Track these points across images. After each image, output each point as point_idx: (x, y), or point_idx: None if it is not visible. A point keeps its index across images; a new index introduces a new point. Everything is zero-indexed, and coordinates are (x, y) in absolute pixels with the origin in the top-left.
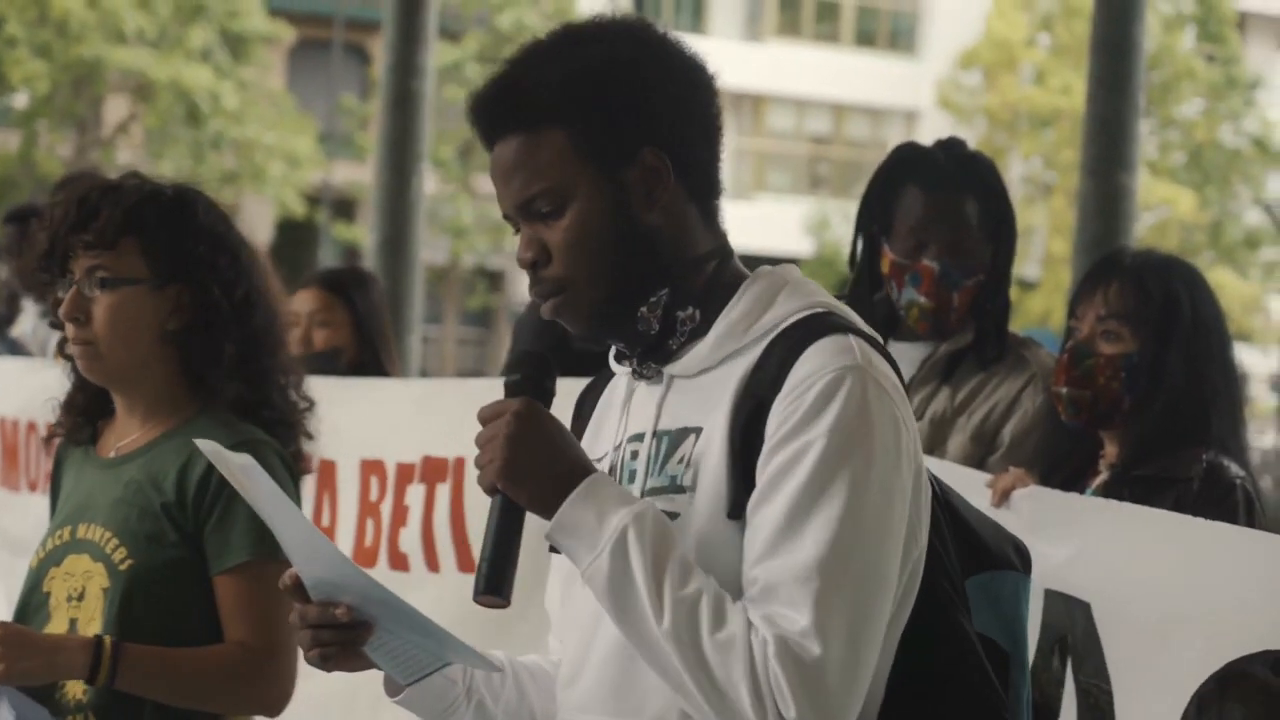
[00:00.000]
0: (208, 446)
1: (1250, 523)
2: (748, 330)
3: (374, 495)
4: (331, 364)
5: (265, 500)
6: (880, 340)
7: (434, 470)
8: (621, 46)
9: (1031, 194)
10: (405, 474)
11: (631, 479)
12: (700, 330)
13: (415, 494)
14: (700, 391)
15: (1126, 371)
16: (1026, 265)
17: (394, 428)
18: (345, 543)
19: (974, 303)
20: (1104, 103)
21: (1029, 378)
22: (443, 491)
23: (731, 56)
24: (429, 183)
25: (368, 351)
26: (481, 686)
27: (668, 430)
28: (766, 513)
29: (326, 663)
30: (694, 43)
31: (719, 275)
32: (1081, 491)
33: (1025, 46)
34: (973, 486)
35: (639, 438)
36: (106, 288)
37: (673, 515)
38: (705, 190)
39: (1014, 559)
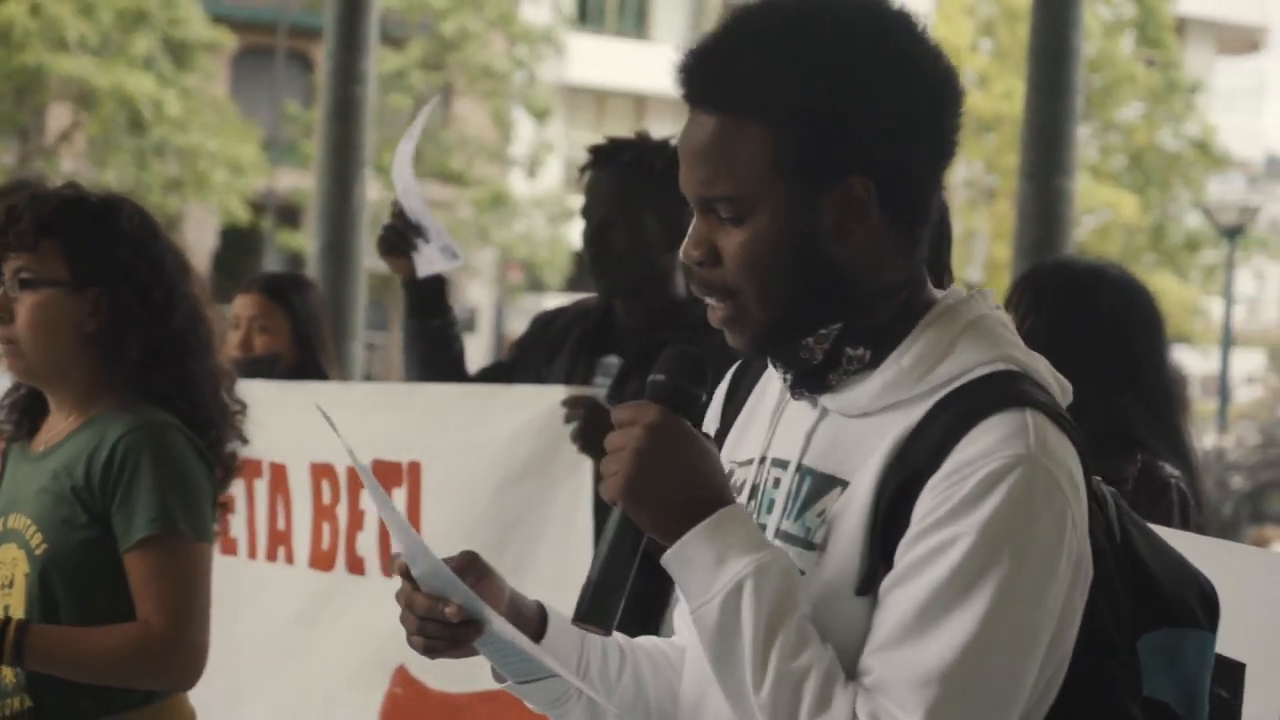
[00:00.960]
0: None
1: (1185, 522)
2: (919, 381)
3: (327, 499)
4: (270, 369)
5: (384, 509)
6: (1064, 413)
7: (386, 474)
8: (865, 49)
9: (974, 199)
10: (357, 478)
11: (769, 509)
12: (869, 365)
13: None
14: (854, 436)
15: None
16: (970, 270)
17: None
18: (303, 545)
19: None
20: (1042, 108)
21: None
22: (398, 496)
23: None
24: (372, 190)
25: (306, 356)
26: (595, 678)
27: (813, 470)
28: (897, 602)
29: (431, 653)
30: (635, 48)
31: (905, 309)
32: None
33: (968, 52)
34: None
35: (783, 464)
36: (26, 287)
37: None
38: (912, 219)
39: (1198, 613)
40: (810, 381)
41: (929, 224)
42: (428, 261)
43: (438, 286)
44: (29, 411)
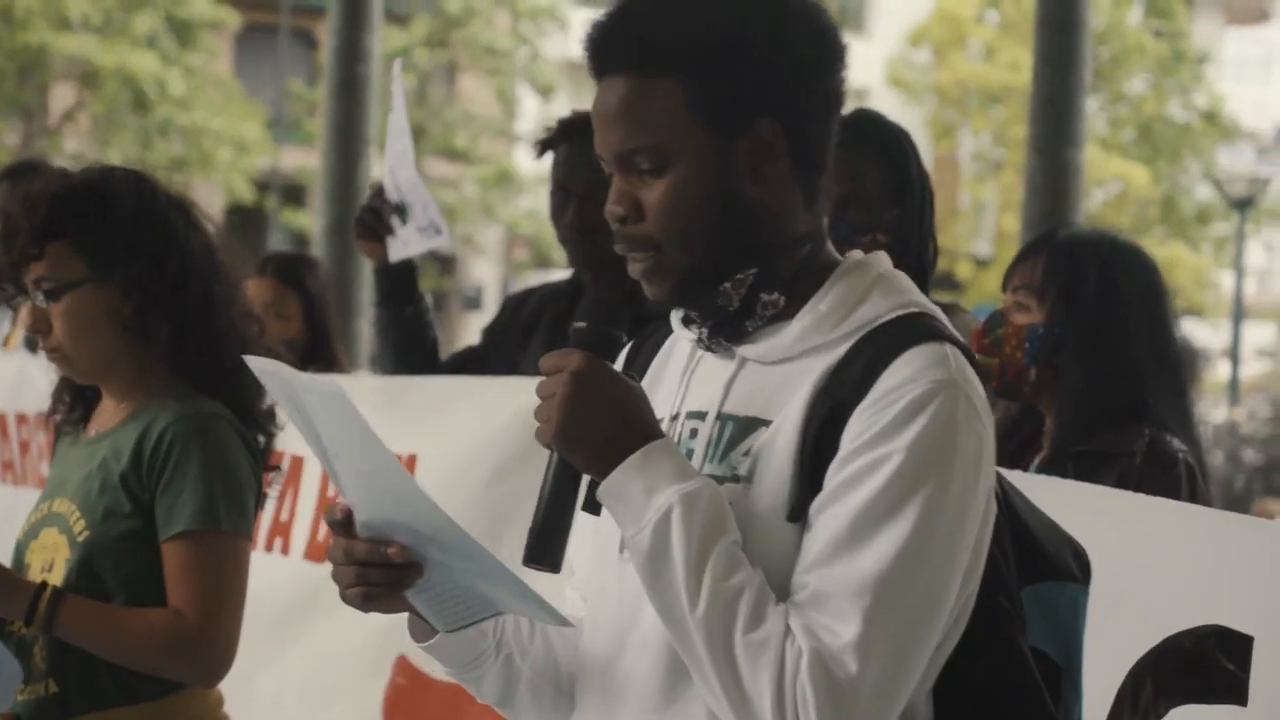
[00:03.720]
0: (257, 364)
1: (1193, 496)
2: (835, 326)
3: (332, 491)
4: (284, 355)
5: (337, 429)
6: (969, 349)
7: None
8: (761, 4)
9: (982, 171)
10: None
11: (688, 458)
12: (781, 316)
13: None
14: (774, 381)
15: (1030, 342)
16: (979, 242)
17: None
18: (300, 538)
19: None
20: (1050, 80)
21: None
22: None
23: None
24: (377, 167)
25: (318, 339)
26: (511, 640)
27: (734, 415)
28: (829, 519)
29: (368, 603)
30: None
31: (810, 261)
32: (1025, 468)
33: (974, 23)
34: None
35: (700, 415)
36: (52, 298)
37: None
38: (813, 169)
39: (1074, 568)
40: (727, 330)
41: (826, 174)
42: (404, 244)
43: (409, 274)
44: (81, 396)
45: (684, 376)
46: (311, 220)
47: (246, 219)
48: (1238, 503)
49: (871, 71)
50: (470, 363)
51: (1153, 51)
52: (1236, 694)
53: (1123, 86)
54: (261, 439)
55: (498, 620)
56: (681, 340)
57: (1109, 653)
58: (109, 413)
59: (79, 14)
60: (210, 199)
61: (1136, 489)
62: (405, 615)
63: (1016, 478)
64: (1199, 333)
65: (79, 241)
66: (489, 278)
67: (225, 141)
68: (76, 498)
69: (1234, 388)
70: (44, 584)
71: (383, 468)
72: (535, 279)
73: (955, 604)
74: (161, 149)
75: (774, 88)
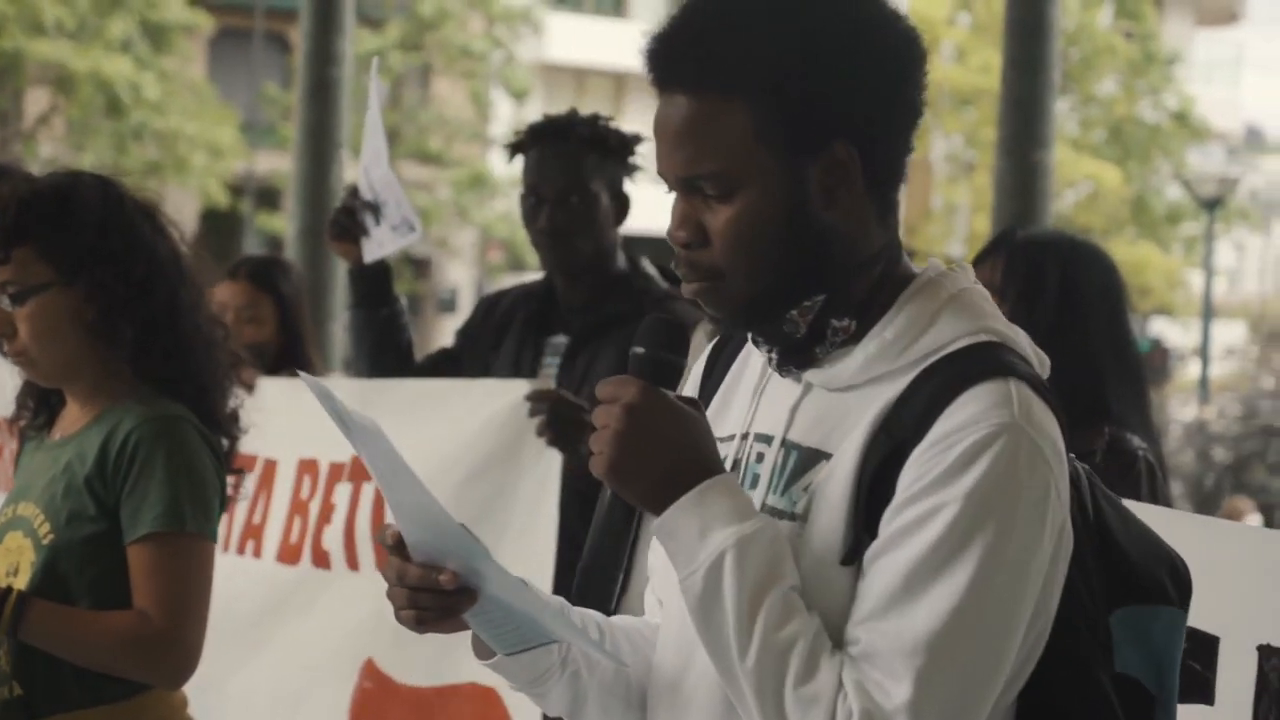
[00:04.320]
0: (314, 384)
1: (1153, 493)
2: (901, 354)
3: (305, 493)
4: (257, 358)
5: (378, 461)
6: (1045, 384)
7: (361, 470)
8: (836, 18)
9: (954, 173)
10: (336, 472)
11: (753, 484)
12: (853, 339)
13: (342, 492)
14: (838, 409)
15: None
16: (951, 244)
17: (326, 426)
18: (273, 540)
19: None
20: (1019, 82)
21: None
22: (368, 490)
23: (644, 46)
24: (349, 171)
25: (292, 342)
26: (578, 657)
27: (798, 445)
28: (882, 571)
29: (421, 625)
30: (613, 27)
31: (885, 277)
32: None
33: (946, 25)
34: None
35: (767, 439)
36: (19, 301)
37: None
38: (889, 183)
39: (1170, 590)
40: (796, 357)
41: (902, 186)
42: (378, 245)
43: (383, 276)
44: (45, 400)
45: (755, 394)
46: (286, 224)
47: (221, 223)
48: (1208, 501)
49: None
50: (444, 364)
51: (1123, 53)
52: (1203, 694)
53: (1093, 88)
54: (225, 442)
55: None
56: (755, 354)
57: None
58: (73, 416)
59: (53, 19)
60: (185, 203)
61: None
62: (372, 617)
63: None
64: (1169, 332)
65: (45, 246)
66: (463, 280)
67: (200, 145)
68: (41, 501)
69: (1204, 386)
70: (8, 588)
71: (423, 502)
72: (509, 281)
73: (1022, 649)
74: (136, 153)
75: (849, 107)
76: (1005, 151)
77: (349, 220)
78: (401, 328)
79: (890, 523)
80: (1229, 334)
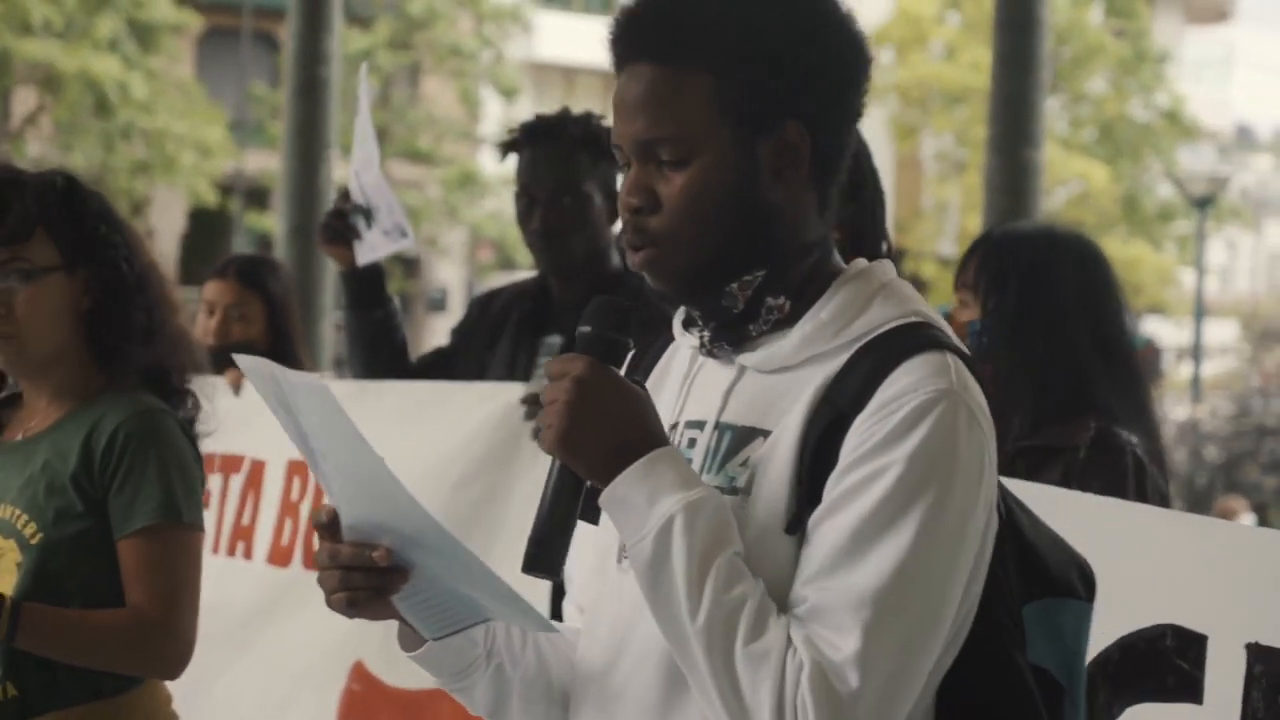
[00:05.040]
0: (246, 362)
1: (1140, 487)
2: (837, 334)
3: (295, 495)
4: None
5: (323, 427)
6: (972, 359)
7: None
8: (798, 8)
9: (945, 171)
10: None
11: None
12: (785, 323)
13: None
14: (774, 391)
15: (972, 337)
16: (942, 242)
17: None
18: (263, 542)
19: None
20: (1009, 80)
21: None
22: None
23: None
24: (338, 170)
25: (281, 341)
26: (502, 650)
27: (732, 425)
28: (829, 531)
29: (352, 608)
30: (602, 25)
31: (818, 269)
32: None
33: (935, 23)
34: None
35: (699, 425)
36: (31, 280)
37: None
38: (829, 178)
39: (1078, 585)
40: (730, 334)
41: (839, 183)
42: (370, 248)
43: (377, 277)
44: None
45: (684, 384)
46: (275, 223)
47: (210, 222)
48: (1200, 500)
49: None
50: (440, 364)
51: (1113, 51)
52: (1191, 692)
53: (1083, 86)
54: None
55: (488, 629)
56: (683, 348)
57: None
58: (37, 414)
59: (40, 18)
60: (173, 202)
61: (1080, 482)
62: (362, 623)
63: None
64: (1161, 331)
65: (57, 230)
66: (453, 279)
67: (188, 145)
68: (21, 502)
69: (1196, 385)
70: (1, 596)
71: (367, 466)
72: (500, 280)
73: (957, 615)
74: (124, 153)
75: (804, 92)
76: (995, 149)
77: (340, 224)
78: (395, 328)
79: (835, 487)
80: (1221, 333)
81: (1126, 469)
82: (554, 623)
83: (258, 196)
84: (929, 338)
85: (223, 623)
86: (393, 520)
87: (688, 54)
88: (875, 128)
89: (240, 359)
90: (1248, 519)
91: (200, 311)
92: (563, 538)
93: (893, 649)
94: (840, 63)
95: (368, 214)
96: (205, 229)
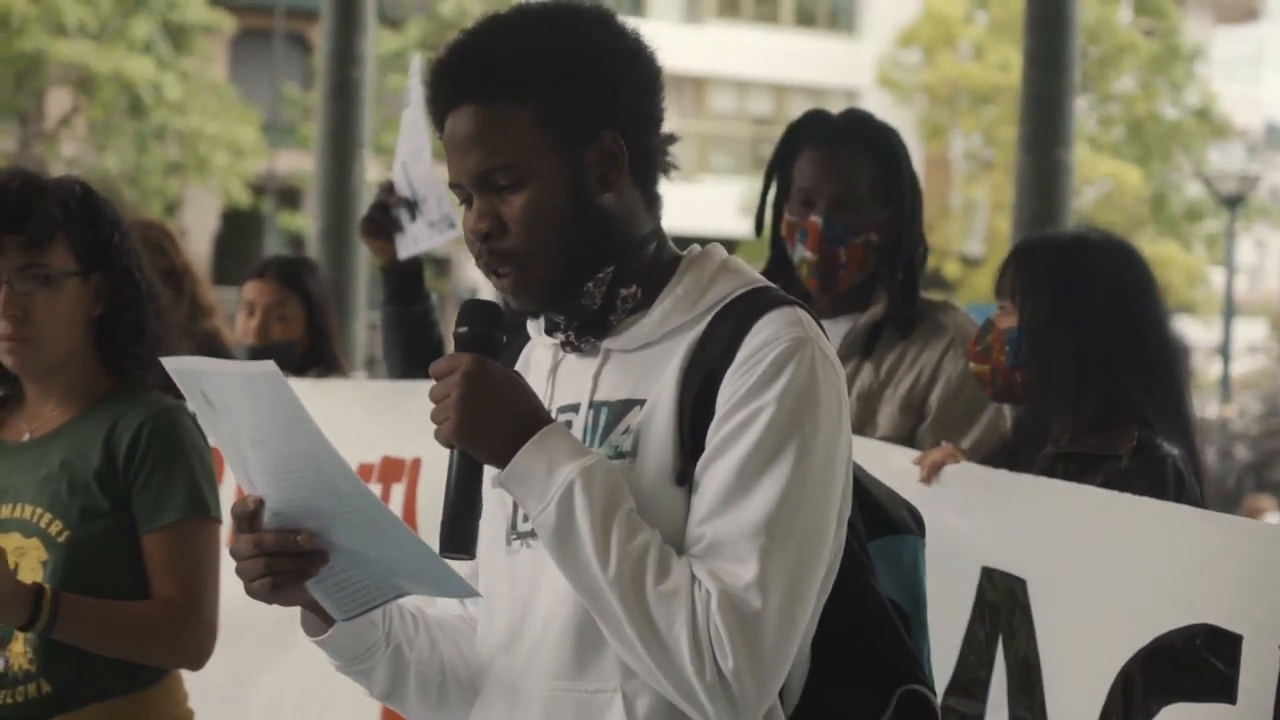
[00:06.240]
0: (172, 363)
1: (1180, 500)
2: (693, 306)
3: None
4: (286, 356)
5: (265, 413)
6: (814, 313)
7: (391, 471)
8: (590, 31)
9: (973, 171)
10: (365, 473)
11: None
12: (640, 307)
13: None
14: (640, 365)
15: (1010, 345)
16: (970, 242)
17: (357, 429)
18: None
19: (868, 263)
20: (1039, 80)
21: (948, 343)
22: (397, 491)
23: (672, 39)
24: (372, 170)
25: (319, 341)
26: (399, 631)
27: (606, 402)
28: (716, 473)
29: (274, 594)
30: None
31: (658, 255)
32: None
33: (963, 23)
34: (878, 458)
35: (573, 408)
36: (50, 284)
37: None
38: (649, 176)
39: (910, 523)
40: (593, 328)
41: (659, 180)
42: (413, 241)
43: (416, 272)
44: None
45: (549, 378)
46: (307, 223)
47: (243, 223)
48: (1229, 499)
49: (861, 72)
50: None
51: (1143, 50)
52: (1225, 692)
53: (1112, 85)
54: None
55: (385, 612)
56: (539, 347)
57: (1100, 652)
58: (42, 417)
59: (75, 20)
60: (206, 203)
61: (1123, 491)
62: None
63: (1019, 478)
64: (1191, 330)
65: (74, 236)
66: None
67: (221, 146)
68: (43, 501)
69: (1226, 385)
70: (39, 587)
71: (310, 447)
72: None
73: (835, 540)
74: (157, 153)
75: (613, 103)
76: (1026, 149)
77: (383, 216)
78: (433, 324)
79: (715, 434)
80: (1250, 332)
81: (1167, 481)
82: (455, 602)
83: (290, 197)
84: (778, 297)
85: (261, 620)
86: (322, 500)
87: (505, 89)
88: (903, 128)
89: (166, 361)
90: (1275, 518)
91: (240, 312)
92: (471, 520)
93: (787, 569)
94: (636, 73)
95: (412, 207)
96: (238, 229)
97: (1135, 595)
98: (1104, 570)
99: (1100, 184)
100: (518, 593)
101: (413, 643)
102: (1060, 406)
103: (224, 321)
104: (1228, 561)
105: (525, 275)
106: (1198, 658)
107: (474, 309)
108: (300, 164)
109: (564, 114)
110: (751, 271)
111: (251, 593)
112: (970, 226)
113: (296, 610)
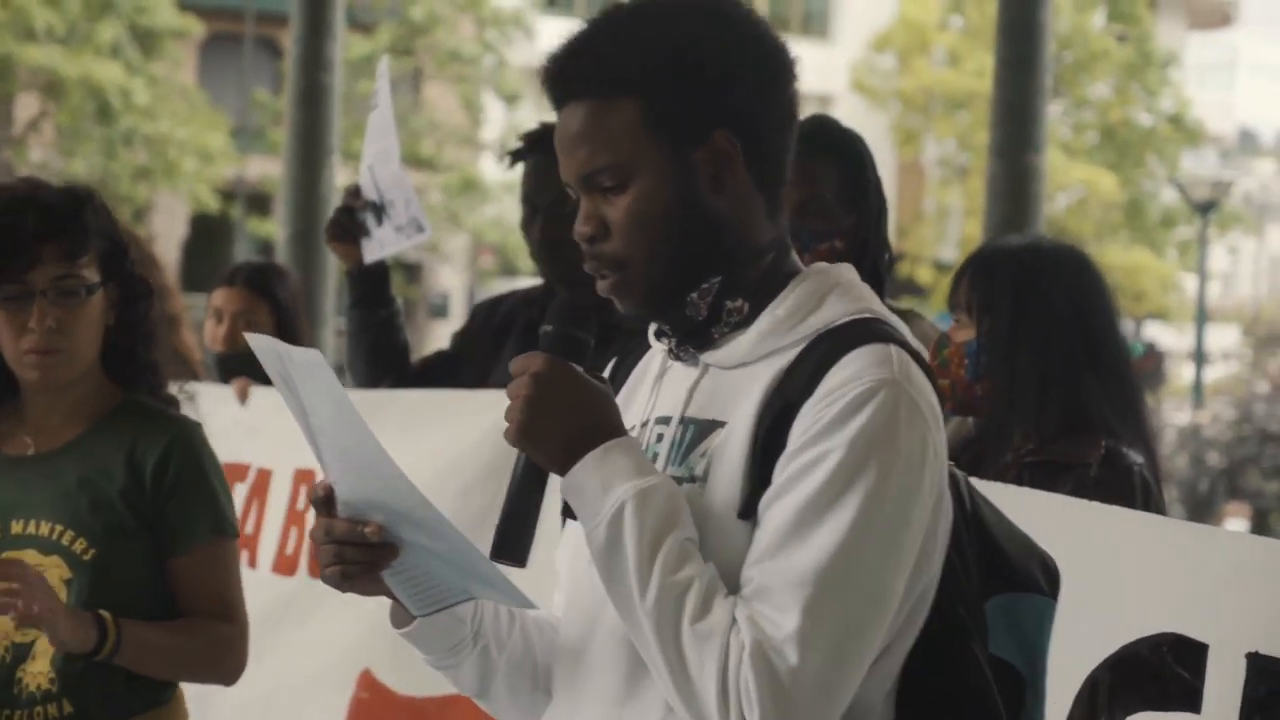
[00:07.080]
0: (255, 341)
1: (1147, 508)
2: (792, 330)
3: (301, 504)
4: (254, 363)
5: (320, 401)
6: (923, 355)
7: None
8: (707, 24)
9: (947, 176)
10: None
11: (654, 462)
12: (745, 322)
13: None
14: (734, 385)
15: (969, 358)
16: (944, 247)
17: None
18: (268, 550)
19: None
20: (1011, 85)
21: None
22: None
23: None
24: (340, 176)
25: None
26: (489, 632)
27: (695, 419)
28: (775, 514)
29: (345, 582)
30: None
31: (774, 269)
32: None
33: (937, 29)
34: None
35: (666, 420)
36: (90, 294)
37: None
38: (773, 180)
39: (1040, 581)
40: (695, 339)
41: (785, 183)
42: (379, 245)
43: (382, 276)
44: None
45: (655, 385)
46: (277, 229)
47: (212, 228)
48: (1202, 506)
49: (835, 77)
50: (440, 366)
51: (1116, 56)
52: (1190, 701)
53: (1086, 91)
54: None
55: (477, 611)
56: (657, 353)
57: (1067, 659)
58: (46, 430)
59: (43, 24)
60: (175, 208)
61: (1090, 499)
62: (370, 628)
63: (981, 485)
64: (1163, 336)
65: (99, 246)
66: (455, 285)
67: (190, 151)
68: (62, 518)
69: (1198, 391)
70: (99, 615)
71: (360, 441)
72: (501, 286)
73: (906, 599)
74: (126, 158)
75: (725, 100)
76: (997, 154)
77: (349, 220)
78: (398, 329)
79: (782, 471)
80: (1223, 338)
81: (1134, 489)
82: (538, 607)
83: (259, 202)
84: (876, 331)
85: None
86: (384, 496)
87: (609, 84)
88: (877, 133)
89: (251, 338)
90: (1239, 524)
91: (208, 319)
92: (527, 527)
93: (833, 627)
94: (756, 70)
95: (379, 210)
96: (207, 235)
97: (1103, 603)
98: (1072, 578)
99: (1074, 190)
100: (592, 602)
101: (503, 643)
102: (1024, 417)
103: (191, 331)
104: (1195, 570)
105: (626, 281)
106: (1164, 667)
107: (562, 307)
108: (270, 169)
109: (670, 111)
110: (868, 299)
111: (325, 579)
112: (944, 232)
113: (264, 621)
